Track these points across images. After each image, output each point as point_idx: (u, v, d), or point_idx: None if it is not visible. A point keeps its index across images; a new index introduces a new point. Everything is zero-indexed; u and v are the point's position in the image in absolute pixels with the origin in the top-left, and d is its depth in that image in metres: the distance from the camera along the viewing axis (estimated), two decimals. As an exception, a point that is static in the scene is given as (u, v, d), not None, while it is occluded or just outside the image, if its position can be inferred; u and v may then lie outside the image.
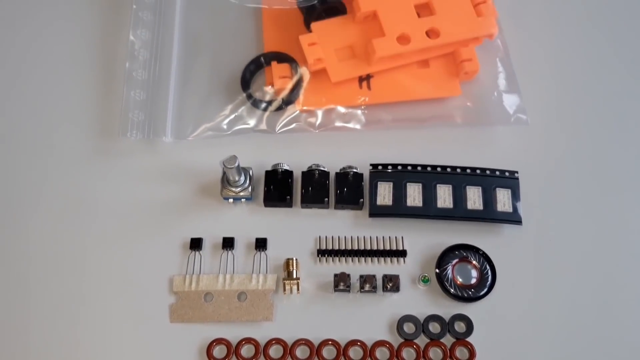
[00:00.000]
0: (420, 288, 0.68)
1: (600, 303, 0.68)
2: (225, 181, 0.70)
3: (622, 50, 0.82)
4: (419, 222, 0.70)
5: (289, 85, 0.75)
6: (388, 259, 0.69)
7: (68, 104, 0.77)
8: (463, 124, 0.75)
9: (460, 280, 0.68)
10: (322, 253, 0.69)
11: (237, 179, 0.69)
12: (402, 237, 0.70)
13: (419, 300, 0.67)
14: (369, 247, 0.69)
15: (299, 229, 0.70)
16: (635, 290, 0.69)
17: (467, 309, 0.67)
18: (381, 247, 0.69)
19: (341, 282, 0.66)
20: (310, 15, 0.77)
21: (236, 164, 0.66)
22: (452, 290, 0.67)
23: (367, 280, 0.66)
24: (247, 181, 0.70)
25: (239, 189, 0.70)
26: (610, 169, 0.75)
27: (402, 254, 0.69)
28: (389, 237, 0.70)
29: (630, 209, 0.73)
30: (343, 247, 0.69)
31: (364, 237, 0.70)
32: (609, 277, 0.69)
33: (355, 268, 0.69)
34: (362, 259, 0.69)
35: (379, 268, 0.69)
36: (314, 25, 0.75)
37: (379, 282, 0.67)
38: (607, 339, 0.67)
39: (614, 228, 0.72)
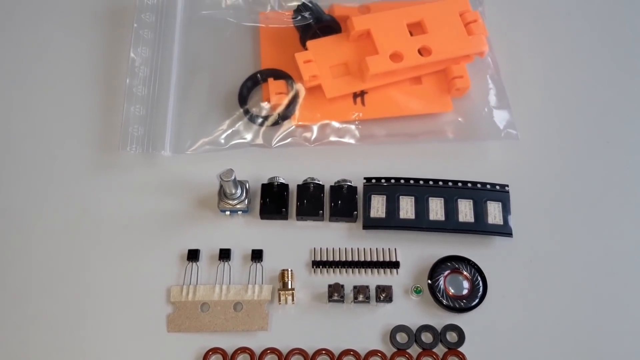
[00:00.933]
0: (412, 299, 0.69)
1: (590, 314, 0.69)
2: (222, 194, 0.71)
3: (610, 66, 0.83)
4: (412, 234, 0.71)
5: (285, 101, 0.76)
6: (381, 270, 0.70)
7: (70, 118, 0.78)
8: (455, 139, 0.76)
9: (452, 291, 0.69)
10: (317, 264, 0.70)
11: (233, 192, 0.70)
12: (395, 249, 0.71)
13: (411, 311, 0.68)
14: (362, 259, 0.70)
15: (294, 240, 0.71)
16: (625, 300, 0.70)
17: (458, 320, 0.68)
18: (374, 259, 0.70)
19: (335, 292, 0.67)
20: (306, 33, 0.78)
21: (233, 177, 0.67)
22: (444, 301, 0.68)
23: (360, 291, 0.67)
24: (244, 194, 0.71)
25: (235, 201, 0.71)
26: (599, 182, 0.76)
27: (395, 265, 0.70)
28: (382, 249, 0.71)
29: (619, 221, 0.74)
30: (337, 259, 0.70)
31: (358, 248, 0.71)
32: (598, 289, 0.70)
33: (349, 279, 0.69)
34: (356, 270, 0.70)
35: (372, 279, 0.70)
36: (310, 43, 0.77)
37: (372, 293, 0.68)
38: (598, 349, 0.67)
39: (603, 240, 0.72)
